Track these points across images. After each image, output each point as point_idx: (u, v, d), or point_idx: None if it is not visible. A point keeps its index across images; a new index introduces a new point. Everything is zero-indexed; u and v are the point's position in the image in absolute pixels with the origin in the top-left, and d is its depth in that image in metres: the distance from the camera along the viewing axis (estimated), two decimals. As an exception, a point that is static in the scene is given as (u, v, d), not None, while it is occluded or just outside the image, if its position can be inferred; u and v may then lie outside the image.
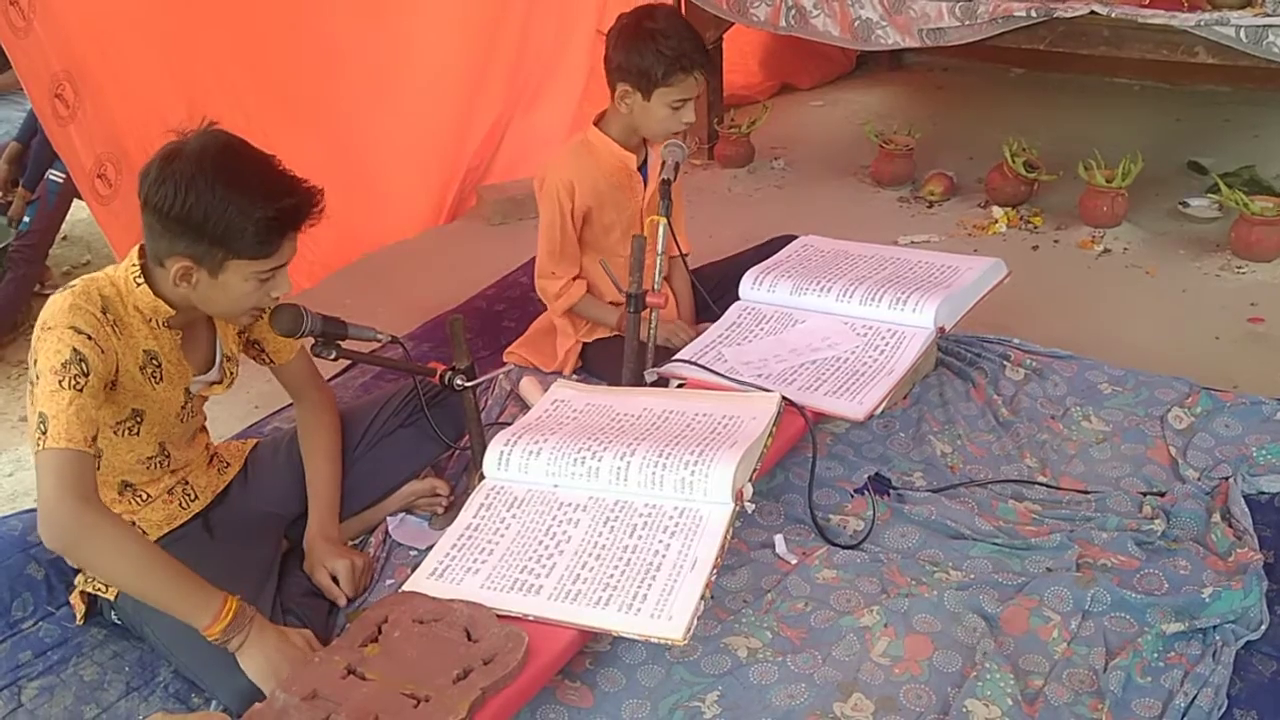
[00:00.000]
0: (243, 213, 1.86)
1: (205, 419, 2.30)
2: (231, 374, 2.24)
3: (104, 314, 1.92)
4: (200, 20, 3.29)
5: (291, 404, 2.48)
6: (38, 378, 1.84)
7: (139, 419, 2.04)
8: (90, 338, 1.87)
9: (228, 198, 1.85)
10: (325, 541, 2.26)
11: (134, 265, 1.98)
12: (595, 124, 2.88)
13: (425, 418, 2.44)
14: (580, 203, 2.84)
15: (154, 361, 2.03)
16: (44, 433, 1.79)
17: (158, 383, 2.04)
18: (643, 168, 2.90)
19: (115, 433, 2.02)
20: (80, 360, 1.84)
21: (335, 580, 2.22)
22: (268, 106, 3.45)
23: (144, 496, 2.15)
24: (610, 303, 2.95)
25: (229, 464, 2.35)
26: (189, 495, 2.23)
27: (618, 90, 2.75)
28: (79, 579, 2.17)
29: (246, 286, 1.95)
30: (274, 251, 1.93)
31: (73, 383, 1.82)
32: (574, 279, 2.92)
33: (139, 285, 1.97)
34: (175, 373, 2.08)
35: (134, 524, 2.10)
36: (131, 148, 3.05)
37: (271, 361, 2.31)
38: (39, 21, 2.77)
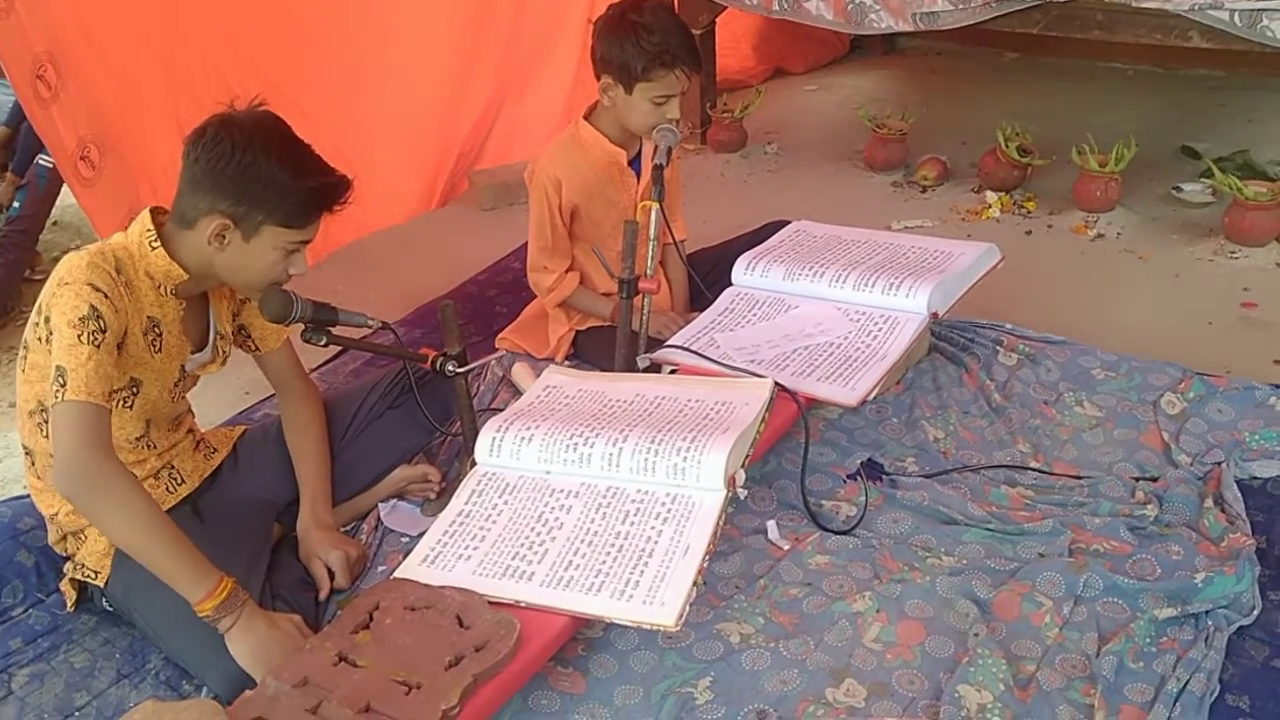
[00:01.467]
0: (290, 181, 1.96)
1: (189, 405, 2.30)
2: (224, 352, 2.25)
3: (117, 274, 1.95)
4: (183, 1, 3.27)
5: (281, 391, 2.47)
6: (51, 333, 1.87)
7: (135, 390, 2.05)
8: (106, 295, 1.90)
9: (280, 165, 1.95)
10: (320, 530, 2.26)
11: (149, 230, 2.01)
12: (585, 117, 2.85)
13: (414, 399, 2.43)
14: (567, 198, 2.82)
15: (155, 329, 2.04)
16: (63, 385, 1.82)
17: (156, 352, 2.05)
18: (634, 161, 2.88)
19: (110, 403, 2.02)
20: (98, 316, 1.87)
21: (330, 570, 2.21)
22: (253, 88, 3.42)
23: None
24: (603, 294, 2.93)
25: (215, 449, 2.35)
26: (175, 479, 2.22)
27: (601, 82, 2.73)
28: (68, 566, 2.16)
29: (273, 256, 2.01)
30: (308, 224, 2.02)
31: (91, 338, 1.85)
32: (566, 272, 2.91)
33: (154, 249, 2.00)
34: (174, 345, 2.09)
35: None
36: (116, 129, 3.03)
37: (257, 349, 2.32)
38: (20, 2, 2.75)
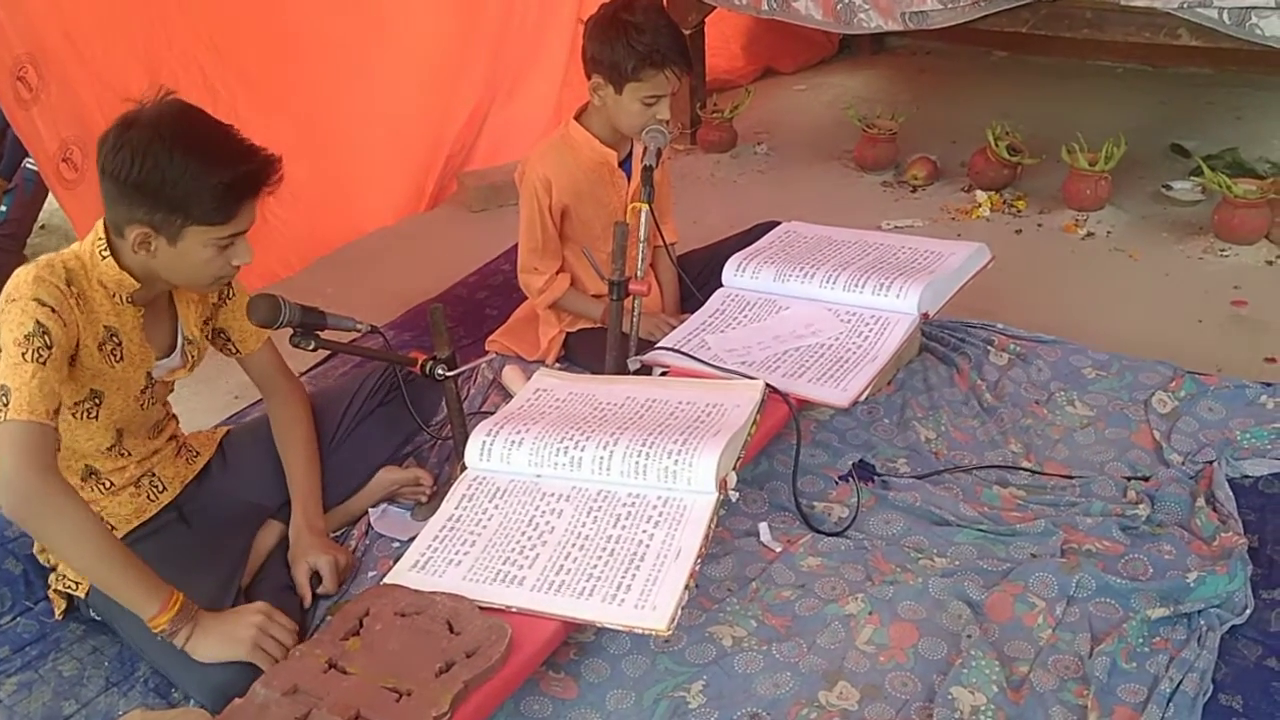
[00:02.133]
0: (199, 178, 1.86)
1: (170, 411, 2.28)
2: (193, 358, 2.21)
3: (68, 286, 1.91)
4: (166, 1, 3.25)
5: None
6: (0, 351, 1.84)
7: (98, 401, 2.02)
8: (54, 310, 1.86)
9: (185, 163, 1.85)
10: (311, 534, 2.24)
11: (99, 239, 1.97)
12: (576, 118, 2.84)
13: (401, 396, 2.42)
14: (558, 199, 2.81)
15: (114, 339, 2.01)
16: (5, 404, 1.78)
17: (117, 361, 2.02)
18: (625, 162, 2.86)
19: (74, 415, 2.00)
20: (44, 333, 1.84)
21: (318, 576, 2.20)
22: (236, 89, 3.40)
23: (108, 484, 2.13)
24: (594, 296, 2.93)
25: (198, 453, 2.33)
26: (157, 487, 2.21)
27: (591, 82, 2.71)
28: (52, 577, 2.16)
29: (206, 253, 1.94)
30: (232, 217, 1.93)
31: (35, 355, 1.82)
32: (557, 273, 2.89)
33: (104, 259, 1.96)
34: (136, 353, 2.05)
35: (102, 517, 2.05)
36: (99, 131, 2.99)
37: (237, 351, 2.29)
38: (1, 3, 2.73)
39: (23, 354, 1.81)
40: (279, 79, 3.60)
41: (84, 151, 2.96)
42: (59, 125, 2.92)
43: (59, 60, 2.92)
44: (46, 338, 1.84)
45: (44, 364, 1.82)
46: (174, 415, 2.30)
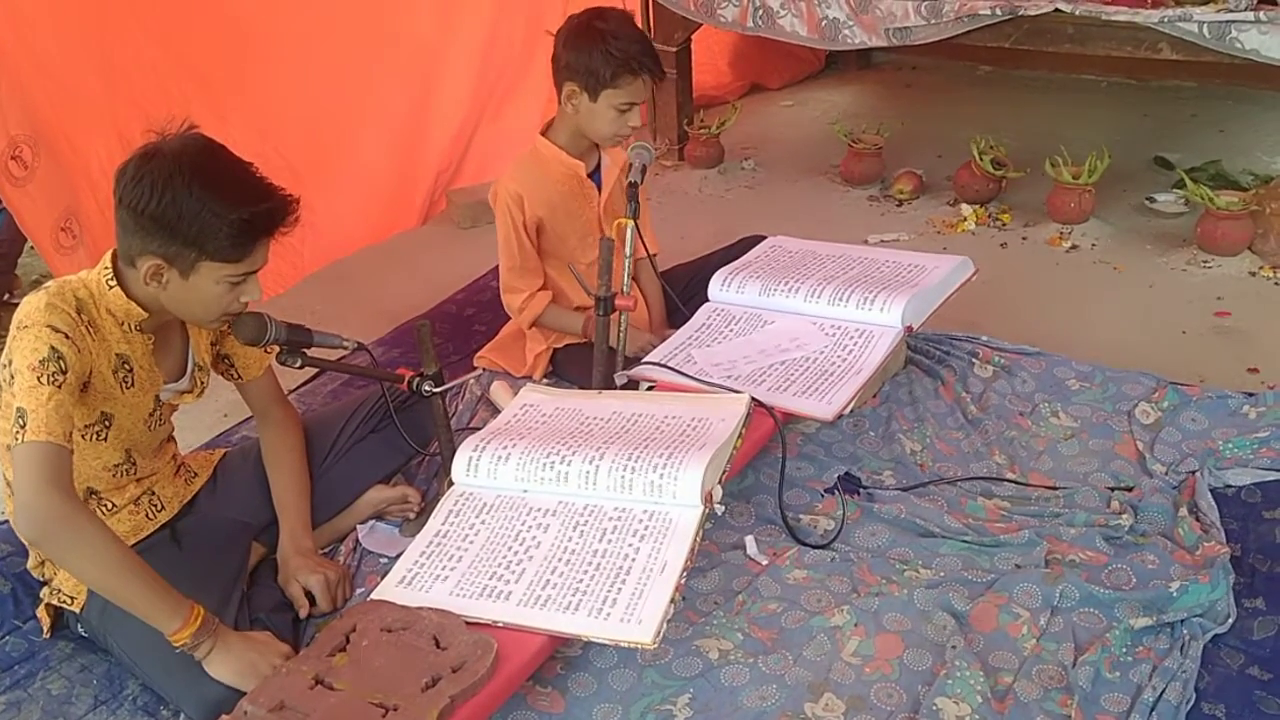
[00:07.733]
0: (218, 214, 1.87)
1: (173, 429, 2.28)
2: (202, 383, 2.23)
3: (79, 314, 1.92)
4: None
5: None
6: (12, 377, 1.85)
7: (107, 424, 2.03)
8: (67, 336, 1.87)
9: (204, 199, 1.86)
10: (299, 555, 2.24)
11: (106, 268, 1.98)
12: (543, 133, 2.86)
13: (394, 424, 2.43)
14: (531, 214, 2.82)
15: (125, 366, 2.02)
16: (23, 426, 1.79)
17: (129, 388, 2.03)
18: (594, 174, 2.88)
19: (83, 437, 2.01)
20: (58, 358, 1.85)
21: (310, 595, 2.20)
22: (191, 92, 3.34)
23: (109, 505, 2.13)
24: (577, 307, 2.94)
25: (196, 474, 2.34)
26: (155, 506, 2.21)
27: (564, 90, 2.73)
28: (44, 591, 2.15)
29: (217, 289, 1.95)
30: (247, 255, 1.94)
31: (51, 379, 1.83)
32: (538, 290, 2.90)
33: (111, 288, 1.97)
34: (146, 378, 2.07)
35: None
36: (50, 129, 2.99)
37: (240, 377, 2.30)
38: None
39: (38, 378, 1.82)
40: (239, 86, 3.54)
41: (34, 149, 2.91)
42: (8, 123, 2.87)
43: (10, 58, 2.88)
44: (61, 363, 1.85)
45: (59, 388, 1.83)
46: (173, 436, 2.31)
